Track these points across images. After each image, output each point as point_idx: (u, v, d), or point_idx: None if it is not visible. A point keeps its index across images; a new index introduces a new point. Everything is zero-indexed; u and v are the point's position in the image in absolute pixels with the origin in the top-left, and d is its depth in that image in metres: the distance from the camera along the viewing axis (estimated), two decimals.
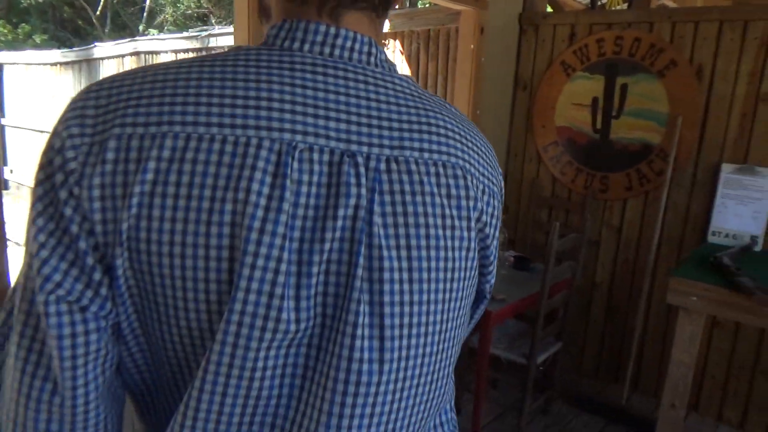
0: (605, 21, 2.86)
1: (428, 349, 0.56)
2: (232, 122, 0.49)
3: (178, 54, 5.48)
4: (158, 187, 0.48)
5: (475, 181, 0.58)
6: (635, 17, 2.76)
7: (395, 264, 0.52)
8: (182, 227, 0.48)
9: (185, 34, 5.68)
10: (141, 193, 0.48)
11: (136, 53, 5.92)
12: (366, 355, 0.52)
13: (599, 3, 3.69)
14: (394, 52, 3.80)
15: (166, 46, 5.58)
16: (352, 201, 0.51)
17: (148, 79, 0.51)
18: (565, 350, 2.77)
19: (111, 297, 0.51)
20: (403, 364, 0.54)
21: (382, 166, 0.53)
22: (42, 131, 7.20)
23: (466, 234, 0.57)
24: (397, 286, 0.53)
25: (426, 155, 0.55)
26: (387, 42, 3.80)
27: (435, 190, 0.55)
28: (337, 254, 0.51)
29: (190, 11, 14.67)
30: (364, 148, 0.52)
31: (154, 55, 5.75)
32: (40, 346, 0.50)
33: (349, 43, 0.55)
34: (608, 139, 2.90)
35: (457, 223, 0.56)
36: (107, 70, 6.39)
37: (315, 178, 0.50)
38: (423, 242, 0.54)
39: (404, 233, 0.53)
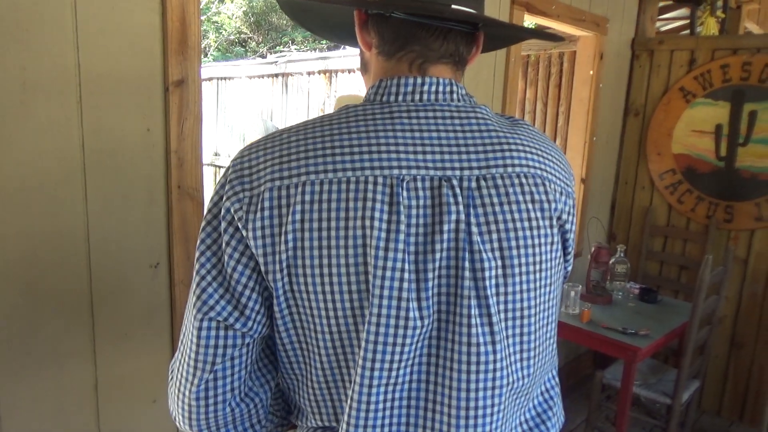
0: (730, 46, 2.78)
1: (527, 329, 0.68)
2: (352, 167, 0.62)
3: (252, 78, 5.55)
4: (305, 224, 0.61)
5: (553, 186, 0.69)
6: (766, 42, 2.68)
7: (492, 264, 0.64)
8: (326, 252, 0.62)
9: (260, 60, 5.76)
10: (293, 230, 0.61)
11: (209, 79, 6.02)
12: (481, 339, 0.64)
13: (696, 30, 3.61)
14: None
15: (240, 72, 5.66)
16: (453, 217, 0.63)
17: (284, 143, 0.65)
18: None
19: (254, 317, 0.66)
20: (509, 342, 0.66)
21: (473, 184, 0.64)
22: None
23: (549, 231, 0.68)
24: (494, 281, 0.64)
25: (509, 169, 0.66)
26: None
27: (520, 198, 0.66)
28: (446, 261, 0.63)
29: (233, 36, 15.01)
30: (457, 172, 0.64)
31: (227, 81, 5.83)
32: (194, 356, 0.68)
33: (433, 87, 0.67)
34: (734, 167, 2.80)
35: (541, 222, 0.67)
36: None
37: (421, 202, 0.63)
38: (513, 243, 0.65)
39: (497, 237, 0.64)
